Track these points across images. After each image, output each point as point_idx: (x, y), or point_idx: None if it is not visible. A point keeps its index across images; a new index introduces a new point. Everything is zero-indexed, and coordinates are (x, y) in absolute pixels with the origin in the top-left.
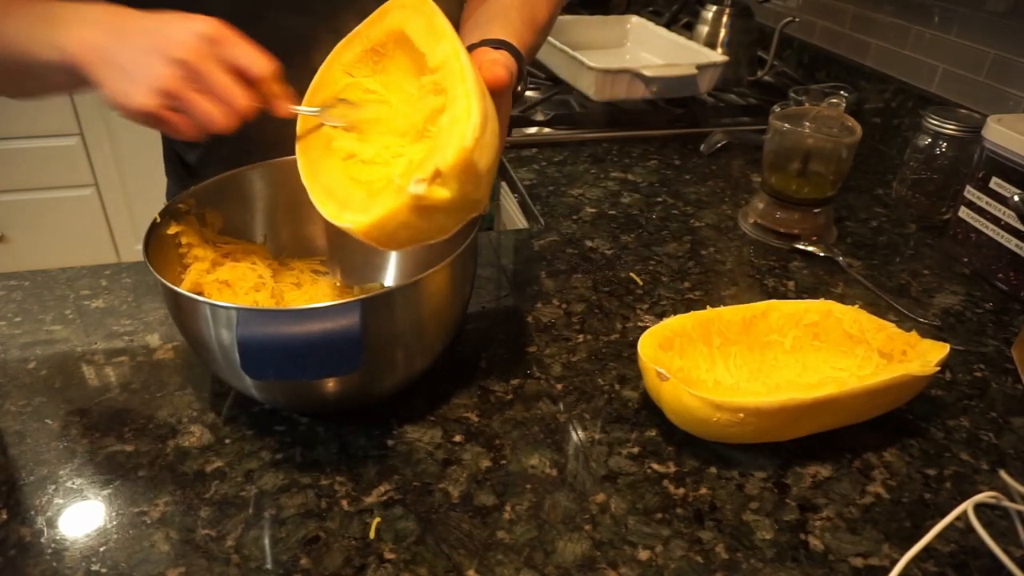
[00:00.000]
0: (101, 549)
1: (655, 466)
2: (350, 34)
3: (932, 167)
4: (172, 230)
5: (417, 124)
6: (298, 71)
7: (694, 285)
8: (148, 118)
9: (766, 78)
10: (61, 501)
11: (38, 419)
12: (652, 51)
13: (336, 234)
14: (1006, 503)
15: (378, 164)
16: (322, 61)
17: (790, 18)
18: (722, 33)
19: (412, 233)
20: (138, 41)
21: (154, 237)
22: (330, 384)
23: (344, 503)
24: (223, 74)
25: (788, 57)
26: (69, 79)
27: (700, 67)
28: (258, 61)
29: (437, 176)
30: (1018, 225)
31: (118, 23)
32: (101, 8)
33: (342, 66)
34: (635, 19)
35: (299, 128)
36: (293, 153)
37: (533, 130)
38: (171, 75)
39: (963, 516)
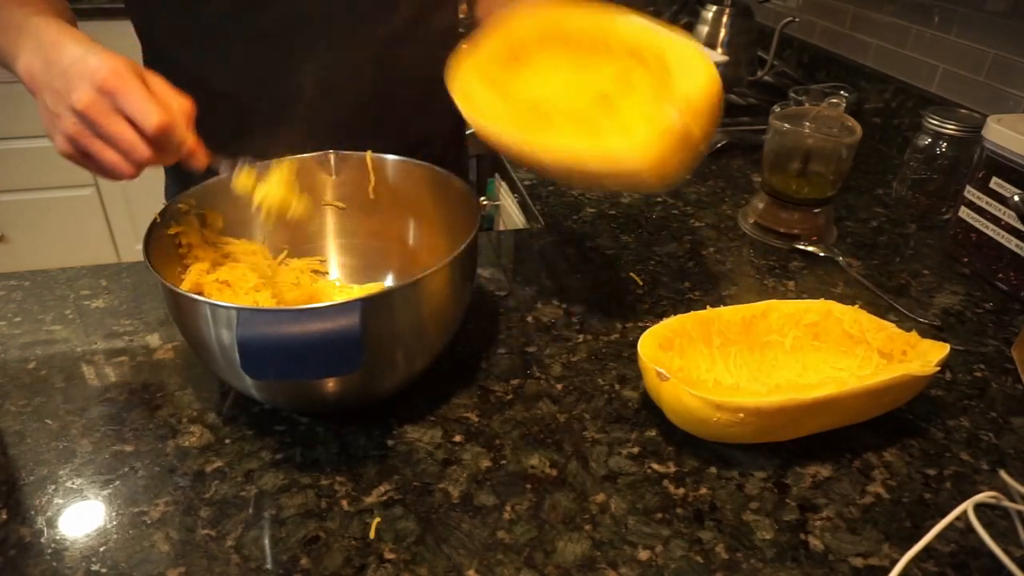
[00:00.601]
0: (101, 549)
1: (655, 466)
2: (473, 39)
3: (932, 167)
4: (172, 230)
5: (601, 91)
6: (297, 59)
7: (694, 285)
8: (69, 159)
9: (766, 78)
10: (61, 501)
11: (38, 419)
12: None
13: (335, 234)
14: (1006, 503)
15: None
16: (326, 49)
17: (790, 18)
18: (722, 33)
19: (676, 163)
20: (56, 83)
21: (154, 237)
22: (330, 384)
23: (344, 503)
24: (119, 125)
25: (788, 57)
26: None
27: None
28: (147, 115)
29: (692, 106)
30: (1018, 225)
31: (51, 57)
32: (50, 31)
33: (476, 69)
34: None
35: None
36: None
37: None
38: (73, 124)
39: (963, 516)
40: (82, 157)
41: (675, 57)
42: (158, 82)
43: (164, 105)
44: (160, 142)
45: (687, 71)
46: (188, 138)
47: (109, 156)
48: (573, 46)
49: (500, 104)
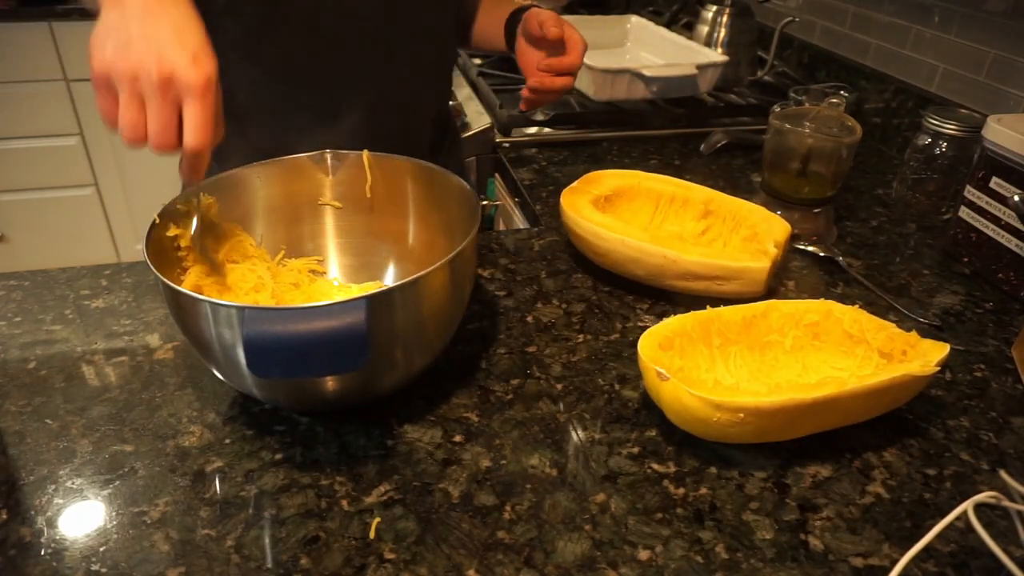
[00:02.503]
0: (101, 549)
1: (655, 466)
2: (579, 185)
3: (932, 167)
4: (171, 232)
5: (695, 232)
6: (307, 90)
7: None
8: (94, 80)
9: (766, 78)
10: (61, 501)
11: (38, 419)
12: (652, 51)
13: (333, 234)
14: (1006, 503)
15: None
16: (335, 85)
17: (790, 18)
18: (722, 33)
19: (770, 280)
20: (148, 28)
21: (154, 237)
22: (330, 383)
23: (344, 503)
24: (171, 114)
25: (788, 57)
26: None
27: (700, 67)
28: (198, 133)
29: (778, 244)
30: (1018, 225)
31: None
32: None
33: (578, 207)
34: (635, 19)
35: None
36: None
37: (533, 130)
38: (132, 73)
39: (963, 516)
40: (106, 89)
41: (749, 211)
42: (217, 104)
43: (211, 130)
44: (186, 152)
45: (769, 221)
46: (202, 167)
47: (133, 118)
48: (654, 199)
49: (621, 223)
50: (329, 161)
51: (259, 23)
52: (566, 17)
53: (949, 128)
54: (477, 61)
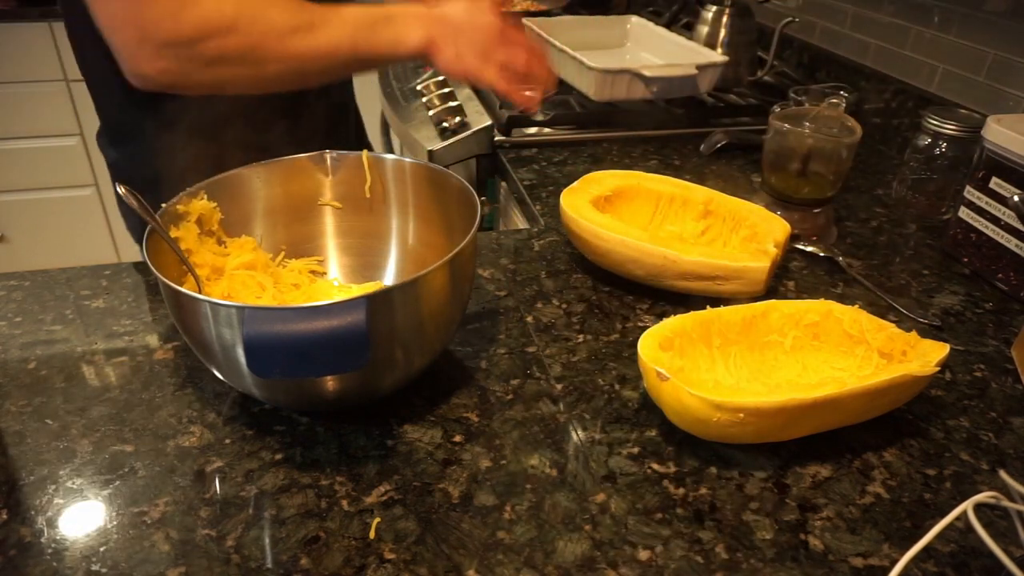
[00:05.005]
0: (101, 549)
1: (655, 466)
2: (576, 188)
3: (932, 167)
4: (172, 234)
5: (695, 232)
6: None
7: None
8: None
9: (766, 78)
10: (61, 501)
11: (38, 419)
12: (652, 51)
13: (333, 234)
14: (1006, 503)
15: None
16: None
17: (790, 18)
18: (722, 33)
19: (769, 280)
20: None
21: (154, 238)
22: (330, 383)
23: (344, 503)
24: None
25: (788, 57)
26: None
27: (700, 67)
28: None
29: (778, 244)
30: (1018, 225)
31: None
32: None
33: (578, 207)
34: (635, 19)
35: None
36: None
37: (533, 130)
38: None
39: (963, 516)
40: (499, 74)
41: (749, 211)
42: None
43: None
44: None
45: (769, 222)
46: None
47: (525, 61)
48: (653, 200)
49: (623, 224)
50: (329, 161)
51: None
52: (566, 17)
53: (949, 128)
54: None
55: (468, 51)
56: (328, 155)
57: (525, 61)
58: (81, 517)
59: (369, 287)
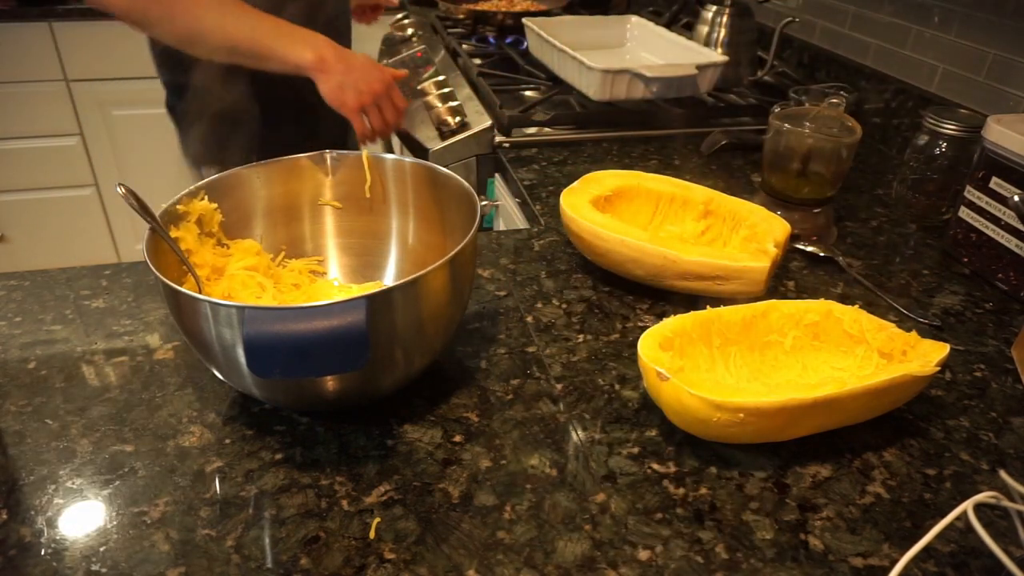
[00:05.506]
0: (101, 549)
1: (655, 466)
2: (575, 188)
3: (932, 167)
4: (172, 234)
5: (695, 232)
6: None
7: None
8: (350, 112)
9: (766, 78)
10: (61, 501)
11: (38, 419)
12: (652, 51)
13: (333, 234)
14: (1006, 503)
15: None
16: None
17: (790, 18)
18: (722, 33)
19: (769, 279)
20: (354, 73)
21: (155, 238)
22: (330, 383)
23: (344, 503)
24: (399, 102)
25: (788, 57)
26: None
27: (700, 67)
28: (400, 104)
29: (778, 244)
30: (1018, 225)
31: (340, 52)
32: (316, 35)
33: (578, 207)
34: (635, 19)
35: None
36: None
37: (533, 130)
38: (369, 96)
39: (963, 516)
40: (360, 113)
41: (749, 211)
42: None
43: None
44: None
45: (769, 221)
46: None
47: (391, 115)
48: (653, 200)
49: (624, 225)
50: (329, 161)
51: None
52: (566, 17)
53: (949, 128)
54: (477, 61)
55: (350, 88)
56: (328, 155)
57: (394, 121)
58: (81, 517)
59: (369, 287)
